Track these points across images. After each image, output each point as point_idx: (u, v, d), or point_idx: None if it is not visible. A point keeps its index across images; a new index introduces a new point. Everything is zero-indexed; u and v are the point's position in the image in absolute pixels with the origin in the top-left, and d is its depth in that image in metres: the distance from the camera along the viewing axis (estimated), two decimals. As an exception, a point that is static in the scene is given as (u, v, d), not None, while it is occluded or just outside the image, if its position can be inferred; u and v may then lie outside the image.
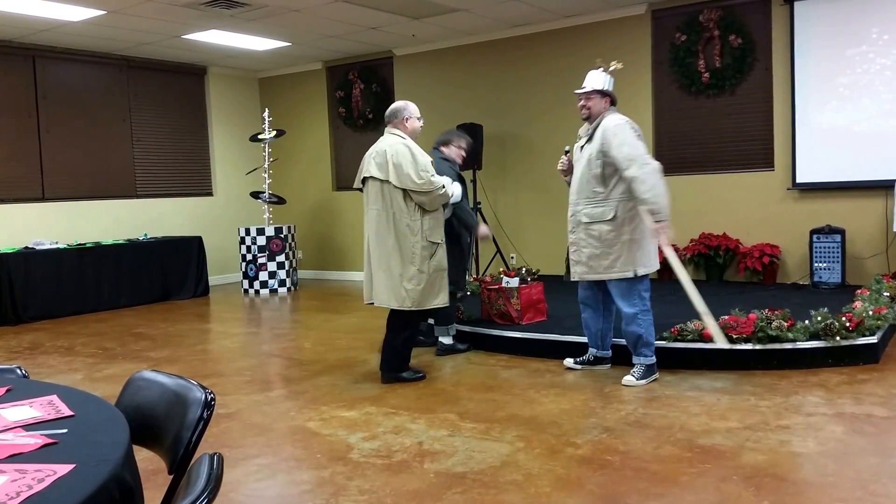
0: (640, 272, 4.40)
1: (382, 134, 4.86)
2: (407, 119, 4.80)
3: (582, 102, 4.51)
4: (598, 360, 4.82)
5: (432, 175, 4.56)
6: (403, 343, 4.77)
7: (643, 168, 4.22)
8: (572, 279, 4.70)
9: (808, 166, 7.15)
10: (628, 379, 4.45)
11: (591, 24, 8.17)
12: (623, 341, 4.63)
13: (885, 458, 3.20)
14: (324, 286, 9.88)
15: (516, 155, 8.82)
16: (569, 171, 4.75)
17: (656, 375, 4.51)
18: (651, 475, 3.10)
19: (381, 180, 4.58)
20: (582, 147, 4.56)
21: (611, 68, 4.55)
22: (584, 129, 4.62)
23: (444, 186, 4.60)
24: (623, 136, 4.29)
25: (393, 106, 4.87)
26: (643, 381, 4.43)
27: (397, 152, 4.56)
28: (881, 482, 2.94)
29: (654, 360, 4.51)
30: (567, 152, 4.76)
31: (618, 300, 4.48)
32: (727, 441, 3.47)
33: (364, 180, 4.75)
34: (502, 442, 3.58)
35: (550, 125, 8.36)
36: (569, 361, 4.88)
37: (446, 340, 5.49)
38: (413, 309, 4.59)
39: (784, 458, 3.24)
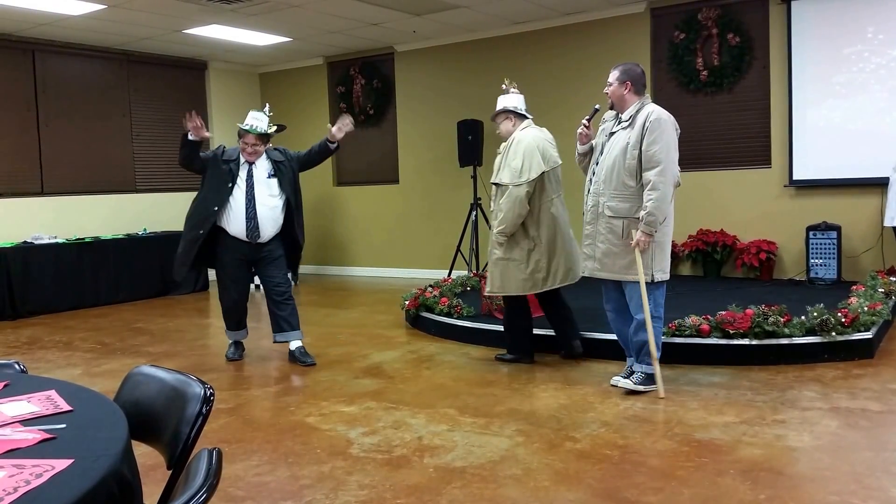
0: (658, 277, 4.11)
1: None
2: None
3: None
4: None
5: None
6: None
7: (663, 176, 3.97)
8: (582, 274, 4.43)
9: (805, 164, 7.17)
10: (625, 382, 4.22)
11: (590, 22, 8.17)
12: (613, 336, 4.55)
13: (879, 452, 3.22)
14: (324, 281, 9.89)
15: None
16: (587, 139, 4.33)
17: (656, 386, 4.17)
18: (649, 469, 3.12)
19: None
20: (612, 132, 4.21)
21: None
22: (611, 113, 4.30)
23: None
24: (660, 133, 4.00)
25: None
26: (640, 387, 4.17)
27: None
28: (875, 476, 2.96)
29: (656, 368, 4.18)
30: (596, 110, 4.32)
31: (631, 303, 4.19)
32: (724, 435, 3.48)
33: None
34: (502, 436, 3.59)
35: (551, 122, 8.30)
36: (618, 380, 4.33)
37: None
38: None
39: (780, 452, 3.26)
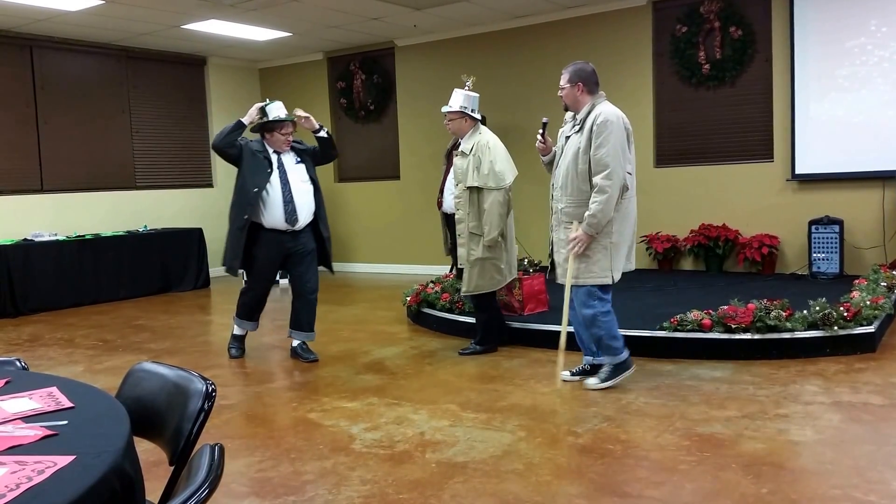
0: (605, 281, 4.08)
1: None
2: None
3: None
4: (595, 369, 4.33)
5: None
6: None
7: (610, 180, 3.92)
8: (557, 281, 4.37)
9: (807, 157, 7.16)
10: (591, 382, 4.19)
11: (592, 16, 8.15)
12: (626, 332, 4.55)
13: (881, 446, 3.21)
14: (326, 277, 9.82)
15: (519, 147, 8.72)
16: (547, 150, 4.38)
17: (628, 372, 4.22)
18: (651, 463, 3.12)
19: None
20: (568, 136, 4.21)
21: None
22: (569, 114, 4.30)
23: None
24: (607, 136, 3.95)
25: None
26: (609, 383, 4.15)
27: None
28: (877, 469, 2.96)
29: (623, 356, 4.19)
30: (545, 124, 4.34)
31: (575, 301, 4.19)
32: (726, 430, 3.48)
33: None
34: (503, 431, 3.59)
35: (551, 118, 8.32)
36: (565, 374, 4.38)
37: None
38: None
39: (782, 446, 3.26)
